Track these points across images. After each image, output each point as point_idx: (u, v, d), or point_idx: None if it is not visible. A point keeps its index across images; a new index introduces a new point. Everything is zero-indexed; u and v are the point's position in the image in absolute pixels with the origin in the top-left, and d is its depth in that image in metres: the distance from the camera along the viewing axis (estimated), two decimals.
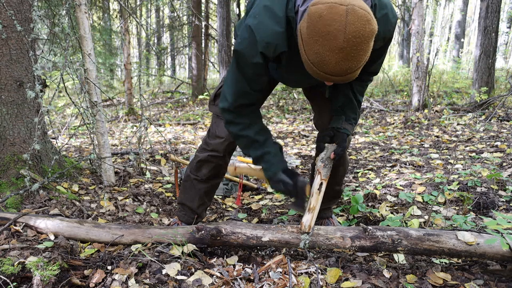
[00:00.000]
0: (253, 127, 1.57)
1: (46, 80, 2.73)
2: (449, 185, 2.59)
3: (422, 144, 4.31)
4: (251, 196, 2.85)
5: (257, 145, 1.59)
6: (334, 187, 1.99)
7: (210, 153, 1.89)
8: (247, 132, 1.56)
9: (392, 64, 16.50)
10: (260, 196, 2.82)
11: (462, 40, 14.72)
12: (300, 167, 3.76)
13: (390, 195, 2.52)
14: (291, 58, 1.41)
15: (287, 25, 1.32)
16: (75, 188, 2.52)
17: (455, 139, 4.41)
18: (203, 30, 11.13)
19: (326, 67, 1.13)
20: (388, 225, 1.80)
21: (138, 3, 11.62)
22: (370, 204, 2.36)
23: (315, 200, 1.56)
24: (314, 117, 1.96)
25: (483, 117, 5.59)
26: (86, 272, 1.49)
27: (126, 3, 5.33)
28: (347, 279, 1.44)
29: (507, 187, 2.50)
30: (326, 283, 1.40)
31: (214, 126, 1.88)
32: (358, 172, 3.25)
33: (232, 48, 1.52)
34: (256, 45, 1.32)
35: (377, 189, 2.64)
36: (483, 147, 3.80)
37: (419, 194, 2.47)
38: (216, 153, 1.88)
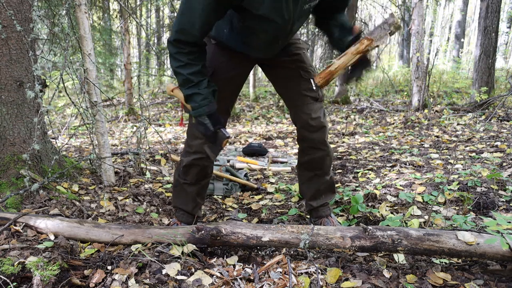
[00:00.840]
0: (190, 67, 1.57)
1: (46, 80, 2.73)
2: (449, 185, 2.59)
3: (422, 144, 4.31)
4: (251, 196, 2.85)
5: (190, 84, 1.60)
6: (324, 177, 2.01)
7: (194, 156, 1.90)
8: (183, 70, 1.57)
9: (392, 64, 16.50)
10: (260, 196, 2.82)
11: (462, 40, 14.72)
12: None
13: (390, 195, 2.52)
14: None
15: None
16: (75, 188, 2.52)
17: (455, 139, 4.41)
18: None
19: None
20: (388, 225, 1.80)
21: (138, 3, 11.62)
22: (370, 204, 2.36)
23: (344, 60, 1.48)
24: (290, 113, 1.96)
25: (483, 117, 5.59)
26: (86, 272, 1.49)
27: (126, 3, 5.33)
28: (347, 279, 1.43)
29: (507, 187, 2.50)
30: (326, 283, 1.40)
31: (192, 126, 1.89)
32: (358, 172, 3.25)
33: None
34: None
35: (377, 189, 2.64)
36: (483, 147, 3.80)
37: (419, 194, 2.47)
38: (199, 155, 1.89)
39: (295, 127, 1.98)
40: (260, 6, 1.43)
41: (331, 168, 2.05)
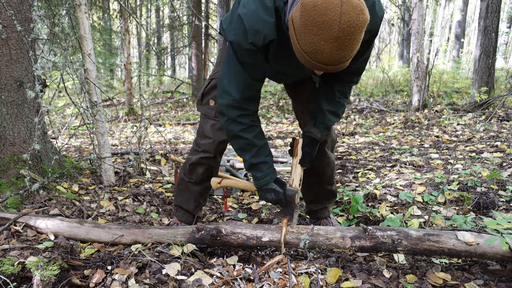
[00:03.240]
0: (253, 129, 1.56)
1: (46, 80, 2.73)
2: (449, 185, 2.59)
3: (422, 144, 4.31)
4: (251, 196, 2.85)
5: (254, 150, 1.58)
6: (325, 186, 2.00)
7: (202, 154, 1.90)
8: (246, 134, 1.55)
9: (392, 64, 16.50)
10: None
11: (462, 40, 14.71)
12: None
13: (390, 195, 2.52)
14: (279, 47, 1.41)
15: (275, 15, 1.33)
16: (75, 188, 2.52)
17: (455, 139, 4.41)
18: (203, 30, 11.13)
19: (320, 56, 1.14)
20: (388, 225, 1.80)
21: (138, 3, 11.62)
22: (370, 204, 2.36)
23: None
24: (297, 117, 1.96)
25: (483, 117, 5.58)
26: (86, 272, 1.49)
27: (126, 3, 5.33)
28: (347, 279, 1.43)
29: (507, 187, 2.50)
30: (326, 283, 1.40)
31: (203, 125, 1.89)
32: (358, 172, 3.25)
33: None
34: (246, 34, 1.33)
35: (377, 189, 2.64)
36: (483, 147, 3.80)
37: (419, 194, 2.47)
38: (207, 154, 1.89)
39: (300, 130, 1.98)
40: (276, 62, 1.49)
41: (334, 178, 2.04)
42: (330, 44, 1.10)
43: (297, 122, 2.28)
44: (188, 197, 2.02)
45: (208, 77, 1.87)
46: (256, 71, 1.48)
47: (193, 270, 1.49)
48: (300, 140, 1.71)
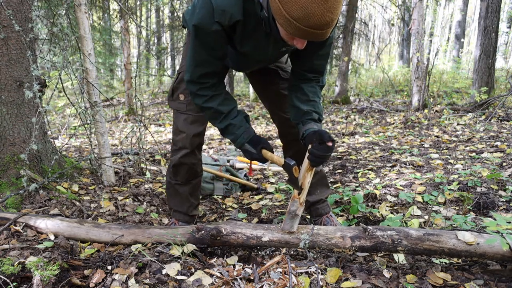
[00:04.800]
0: (216, 98, 1.60)
1: (46, 80, 2.73)
2: (449, 185, 2.59)
3: (422, 144, 4.31)
4: (251, 196, 2.85)
5: (221, 117, 1.62)
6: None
7: (180, 153, 1.91)
8: (210, 104, 1.59)
9: (392, 64, 16.51)
10: (260, 196, 2.82)
11: (462, 40, 14.72)
12: None
13: (390, 195, 2.52)
14: (246, 29, 1.44)
15: None
16: (75, 188, 2.52)
17: (455, 139, 4.41)
18: None
19: (312, 20, 1.17)
20: (388, 225, 1.80)
21: (138, 3, 11.61)
22: (370, 204, 2.36)
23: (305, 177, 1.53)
24: (269, 111, 1.99)
25: (483, 117, 5.58)
26: (86, 272, 1.49)
27: (126, 4, 5.33)
28: (347, 279, 1.43)
29: (507, 187, 2.50)
30: (326, 283, 1.40)
31: (176, 121, 1.91)
32: (358, 172, 3.25)
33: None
34: (212, 13, 1.36)
35: (377, 189, 2.64)
36: (483, 147, 3.80)
37: (419, 194, 2.47)
38: (185, 150, 1.90)
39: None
40: (241, 46, 1.52)
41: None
42: (321, 6, 1.14)
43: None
44: (180, 199, 2.04)
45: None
46: (217, 49, 1.50)
47: (193, 270, 1.49)
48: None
